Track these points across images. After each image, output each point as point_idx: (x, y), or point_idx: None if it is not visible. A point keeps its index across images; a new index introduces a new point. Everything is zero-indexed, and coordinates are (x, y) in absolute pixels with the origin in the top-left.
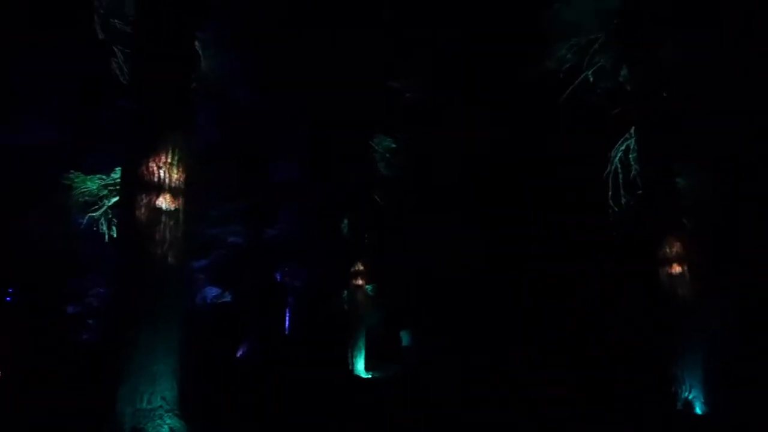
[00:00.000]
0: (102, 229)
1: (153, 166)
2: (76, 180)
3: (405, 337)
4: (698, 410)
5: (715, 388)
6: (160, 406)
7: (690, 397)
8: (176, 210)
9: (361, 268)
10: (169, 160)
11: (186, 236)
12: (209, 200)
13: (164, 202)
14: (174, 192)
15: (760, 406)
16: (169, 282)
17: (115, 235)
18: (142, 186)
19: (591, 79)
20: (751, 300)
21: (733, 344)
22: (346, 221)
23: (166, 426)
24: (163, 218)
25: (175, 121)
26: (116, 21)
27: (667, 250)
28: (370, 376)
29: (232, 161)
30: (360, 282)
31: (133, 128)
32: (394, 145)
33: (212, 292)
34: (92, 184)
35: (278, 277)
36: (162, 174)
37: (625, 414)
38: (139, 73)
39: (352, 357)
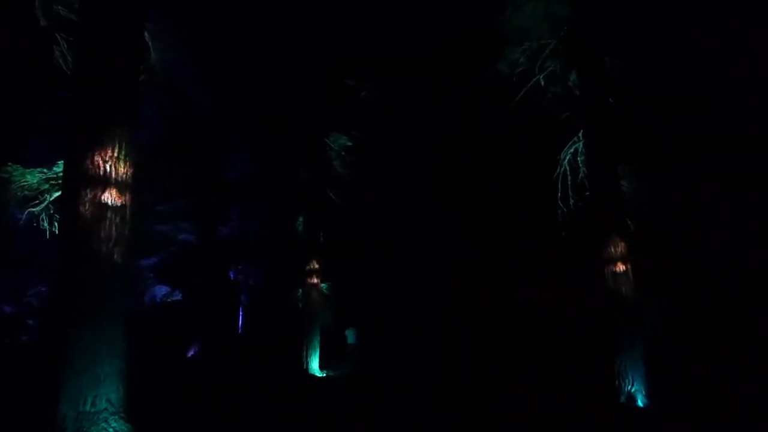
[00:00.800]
0: (43, 225)
1: (98, 159)
2: (14, 173)
3: (350, 335)
4: (640, 403)
5: (655, 381)
6: (105, 409)
7: (632, 390)
8: (122, 206)
9: (316, 266)
10: (115, 155)
11: (133, 233)
12: (159, 196)
13: (110, 197)
14: (120, 187)
15: (698, 398)
16: (114, 280)
17: (56, 232)
18: (87, 180)
19: (542, 83)
20: (690, 297)
21: (673, 339)
22: (300, 219)
23: (111, 429)
24: (109, 214)
25: (121, 113)
26: (60, 7)
27: (612, 249)
28: (324, 374)
29: (184, 157)
30: (315, 280)
31: (77, 121)
32: (349, 143)
33: (161, 290)
34: (32, 177)
35: (231, 276)
36: (108, 168)
37: (570, 407)
38: (84, 62)
39: (306, 356)
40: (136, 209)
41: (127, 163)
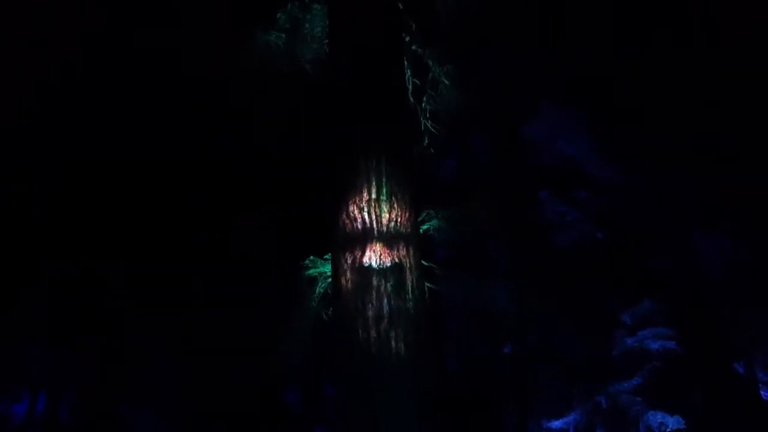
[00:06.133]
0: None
1: (352, 209)
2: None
3: None
4: None
5: None
6: None
7: None
8: (395, 265)
9: None
10: (372, 196)
11: (422, 304)
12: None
13: (373, 256)
14: (388, 239)
15: None
16: (396, 381)
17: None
18: (342, 241)
19: None
20: None
21: None
22: None
23: None
24: (375, 281)
25: (372, 136)
26: None
27: None
28: None
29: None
30: None
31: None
32: None
33: (656, 418)
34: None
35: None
36: (365, 217)
37: None
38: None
39: None
40: (421, 267)
41: (395, 205)
